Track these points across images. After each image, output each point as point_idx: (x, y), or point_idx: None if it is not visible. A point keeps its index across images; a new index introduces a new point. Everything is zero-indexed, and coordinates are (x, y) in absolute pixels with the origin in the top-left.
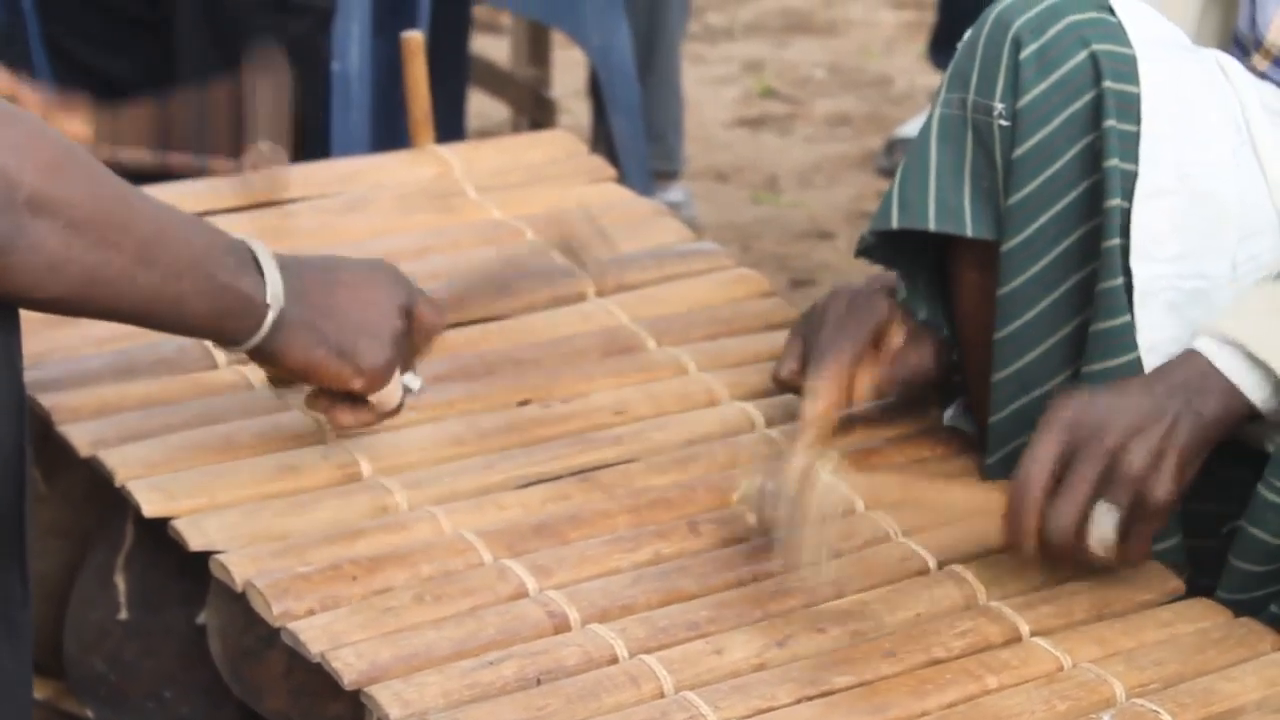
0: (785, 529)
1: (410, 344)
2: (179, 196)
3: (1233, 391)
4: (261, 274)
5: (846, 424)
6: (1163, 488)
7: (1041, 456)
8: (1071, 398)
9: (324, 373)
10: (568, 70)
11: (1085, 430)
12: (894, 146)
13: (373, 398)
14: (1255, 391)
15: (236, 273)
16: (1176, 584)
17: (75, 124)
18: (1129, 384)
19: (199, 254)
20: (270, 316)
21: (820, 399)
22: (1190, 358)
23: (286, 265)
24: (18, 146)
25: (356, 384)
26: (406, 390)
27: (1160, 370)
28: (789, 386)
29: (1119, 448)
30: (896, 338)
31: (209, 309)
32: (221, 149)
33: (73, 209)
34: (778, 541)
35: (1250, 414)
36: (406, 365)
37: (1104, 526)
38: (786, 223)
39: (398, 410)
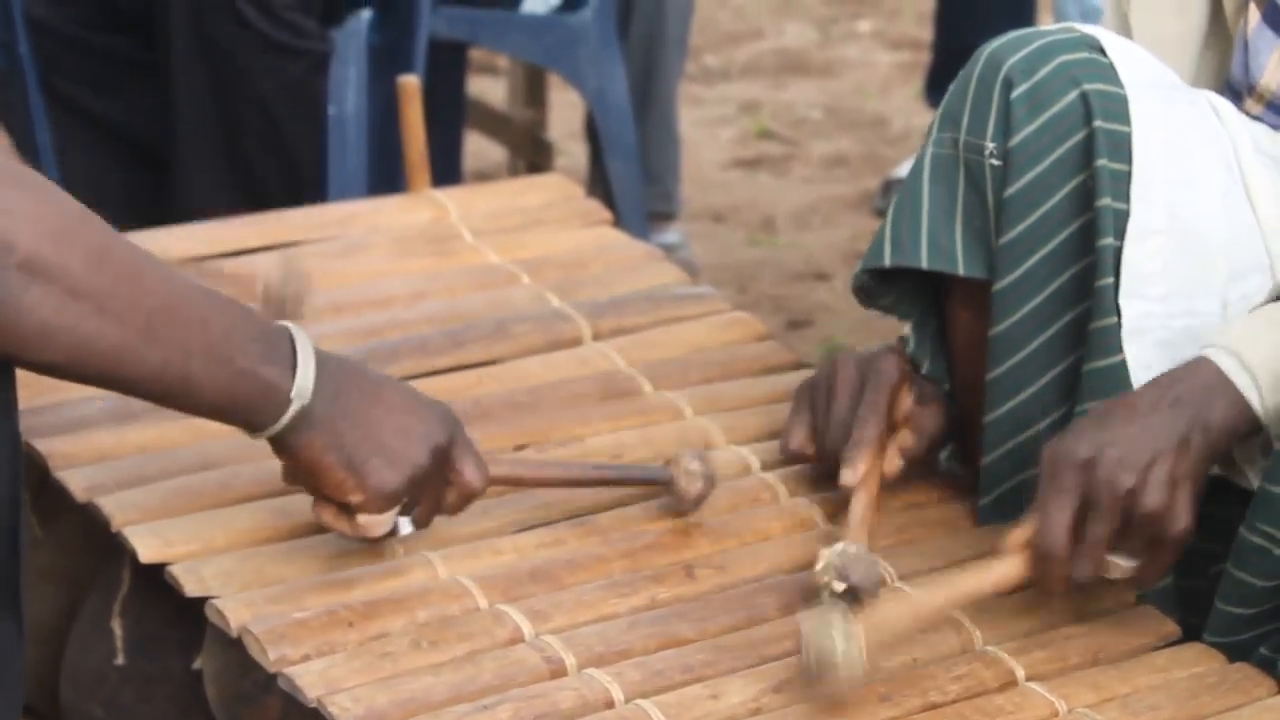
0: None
1: (435, 491)
2: (181, 239)
3: (1239, 399)
4: (294, 366)
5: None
6: (1179, 522)
7: (1058, 518)
8: (1076, 439)
9: (327, 478)
10: (564, 112)
11: (1097, 478)
12: (891, 187)
13: (360, 518)
14: (1259, 401)
15: (261, 360)
16: (1171, 628)
17: None
18: (1134, 403)
19: (215, 336)
20: (292, 410)
21: (865, 490)
22: (1198, 365)
23: (327, 364)
24: (17, 211)
25: (354, 499)
26: (395, 529)
27: (1167, 378)
28: (799, 459)
29: (1133, 493)
30: (907, 400)
31: (221, 393)
32: None
33: (70, 276)
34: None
35: (1254, 426)
36: (415, 505)
37: (1122, 568)
38: (783, 264)
39: (374, 541)
